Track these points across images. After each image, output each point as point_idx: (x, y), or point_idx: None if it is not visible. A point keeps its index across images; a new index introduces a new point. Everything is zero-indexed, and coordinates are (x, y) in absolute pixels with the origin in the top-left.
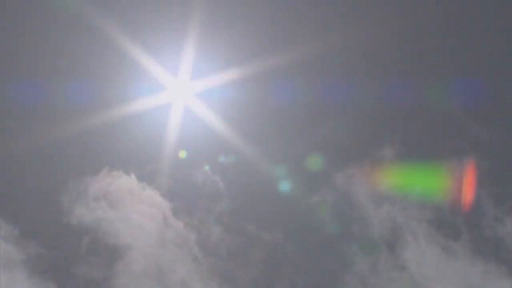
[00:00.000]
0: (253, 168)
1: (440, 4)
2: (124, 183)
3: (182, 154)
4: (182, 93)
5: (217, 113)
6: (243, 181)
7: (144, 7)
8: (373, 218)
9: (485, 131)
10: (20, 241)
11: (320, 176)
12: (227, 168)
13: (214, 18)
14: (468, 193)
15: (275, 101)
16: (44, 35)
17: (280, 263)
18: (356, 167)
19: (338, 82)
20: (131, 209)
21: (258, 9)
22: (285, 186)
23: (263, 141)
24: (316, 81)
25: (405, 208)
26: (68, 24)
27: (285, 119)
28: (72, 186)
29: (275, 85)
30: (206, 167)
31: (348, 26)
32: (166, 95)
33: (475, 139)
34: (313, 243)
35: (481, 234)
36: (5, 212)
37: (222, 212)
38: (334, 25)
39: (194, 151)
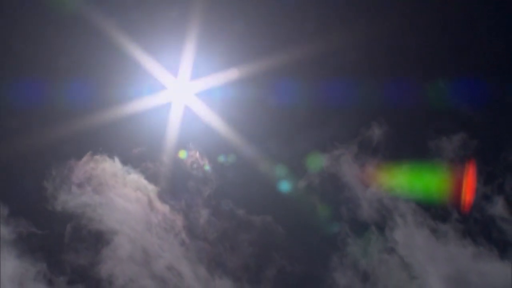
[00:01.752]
0: (249, 164)
1: (440, 4)
2: (108, 167)
3: (182, 154)
4: (182, 93)
5: (217, 113)
6: (233, 168)
7: (144, 7)
8: (362, 201)
9: (472, 110)
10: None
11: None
12: (226, 167)
13: (214, 18)
14: (468, 194)
15: (275, 101)
16: (44, 35)
17: (270, 246)
18: (344, 148)
19: (338, 82)
20: (115, 194)
21: (258, 9)
22: (284, 185)
23: (262, 141)
24: (316, 81)
25: (394, 191)
26: (68, 24)
27: (285, 119)
28: (55, 171)
29: (275, 85)
30: (206, 167)
31: (348, 26)
32: (166, 95)
33: (462, 118)
34: (302, 226)
35: (470, 214)
36: None
37: (210, 195)
38: (334, 25)
39: (193, 150)
